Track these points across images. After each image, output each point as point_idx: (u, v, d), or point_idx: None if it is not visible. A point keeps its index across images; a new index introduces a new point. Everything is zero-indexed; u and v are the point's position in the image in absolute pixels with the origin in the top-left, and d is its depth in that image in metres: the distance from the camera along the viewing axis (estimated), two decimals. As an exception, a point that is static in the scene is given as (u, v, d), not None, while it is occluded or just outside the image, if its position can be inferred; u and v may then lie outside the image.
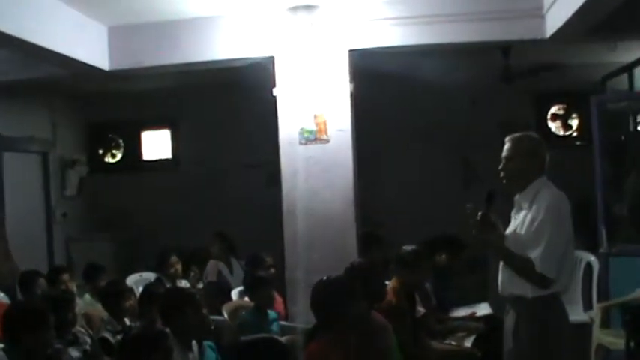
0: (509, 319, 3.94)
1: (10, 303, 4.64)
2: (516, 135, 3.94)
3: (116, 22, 6.59)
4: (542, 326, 3.75)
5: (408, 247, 5.01)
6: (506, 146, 3.91)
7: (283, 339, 4.77)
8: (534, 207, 3.75)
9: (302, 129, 6.20)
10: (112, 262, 8.75)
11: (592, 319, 6.28)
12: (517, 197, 3.90)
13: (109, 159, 10.41)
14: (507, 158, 3.88)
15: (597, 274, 6.62)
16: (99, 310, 5.62)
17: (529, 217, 3.76)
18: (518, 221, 3.86)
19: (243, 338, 2.95)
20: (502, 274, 3.92)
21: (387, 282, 4.87)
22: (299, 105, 6.24)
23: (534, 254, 3.67)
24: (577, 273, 6.92)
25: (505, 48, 7.36)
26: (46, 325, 4.11)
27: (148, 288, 5.71)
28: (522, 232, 3.78)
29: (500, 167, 3.92)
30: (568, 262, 3.80)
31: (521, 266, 3.73)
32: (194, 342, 4.41)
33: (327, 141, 6.15)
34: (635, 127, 7.56)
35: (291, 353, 2.86)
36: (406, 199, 8.78)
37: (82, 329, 5.00)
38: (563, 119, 9.06)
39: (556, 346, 3.78)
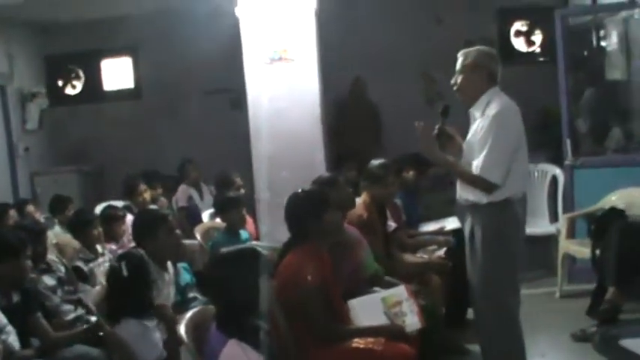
0: (466, 226, 4.06)
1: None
2: (466, 49, 4.03)
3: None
4: (493, 230, 3.87)
5: (376, 162, 5.03)
6: (458, 60, 4.01)
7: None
8: (484, 116, 3.86)
9: (266, 49, 6.10)
10: (78, 194, 8.69)
11: (558, 230, 6.42)
12: (471, 109, 4.01)
13: (69, 90, 10.17)
14: (458, 72, 3.99)
15: (563, 186, 6.73)
16: (70, 240, 5.60)
17: (479, 125, 3.87)
18: (472, 130, 3.98)
19: (222, 250, 2.95)
20: (458, 182, 4.04)
21: (357, 198, 4.90)
22: (262, 24, 6.11)
23: (478, 160, 3.78)
24: (543, 186, 7.08)
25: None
26: (24, 253, 4.09)
27: (105, 211, 5.76)
28: (474, 140, 3.89)
29: (452, 81, 4.01)
30: (519, 168, 3.89)
31: (465, 174, 3.89)
32: (169, 264, 4.45)
33: (292, 60, 6.07)
34: (599, 42, 7.56)
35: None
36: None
37: (55, 258, 4.99)
38: (527, 35, 9.07)
39: (508, 251, 3.90)
